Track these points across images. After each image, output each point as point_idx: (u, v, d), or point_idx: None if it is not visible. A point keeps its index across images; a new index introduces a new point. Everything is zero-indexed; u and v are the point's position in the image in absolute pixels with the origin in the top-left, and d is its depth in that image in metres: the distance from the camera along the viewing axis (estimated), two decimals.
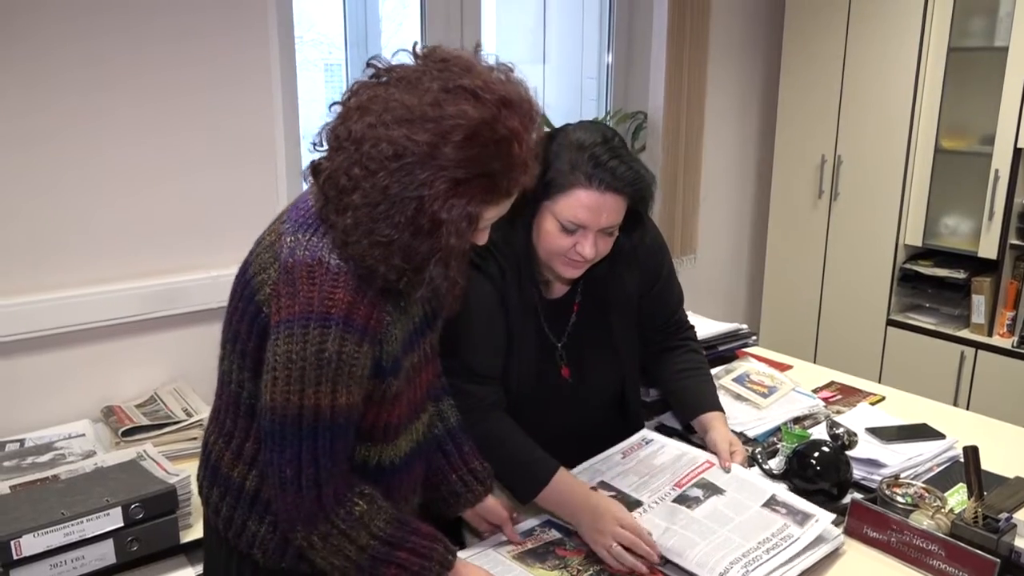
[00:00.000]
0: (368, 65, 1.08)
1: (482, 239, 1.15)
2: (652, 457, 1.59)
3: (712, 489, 1.48)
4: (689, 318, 1.81)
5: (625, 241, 1.49)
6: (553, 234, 1.38)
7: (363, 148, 1.01)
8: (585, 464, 1.59)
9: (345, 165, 1.03)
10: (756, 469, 1.60)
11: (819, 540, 1.36)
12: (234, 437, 1.20)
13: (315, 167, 1.08)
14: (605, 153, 1.35)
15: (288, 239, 1.09)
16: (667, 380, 1.72)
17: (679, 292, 1.73)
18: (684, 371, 1.69)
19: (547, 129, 1.47)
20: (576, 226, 1.36)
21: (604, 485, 1.52)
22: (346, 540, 1.10)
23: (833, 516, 1.41)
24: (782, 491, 1.47)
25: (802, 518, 1.40)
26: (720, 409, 1.65)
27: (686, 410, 1.68)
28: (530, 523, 1.48)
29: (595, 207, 1.34)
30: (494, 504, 1.43)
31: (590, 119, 1.43)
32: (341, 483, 1.11)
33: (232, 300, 1.17)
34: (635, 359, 1.67)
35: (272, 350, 1.07)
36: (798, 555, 1.32)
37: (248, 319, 1.13)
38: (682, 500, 1.46)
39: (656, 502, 1.47)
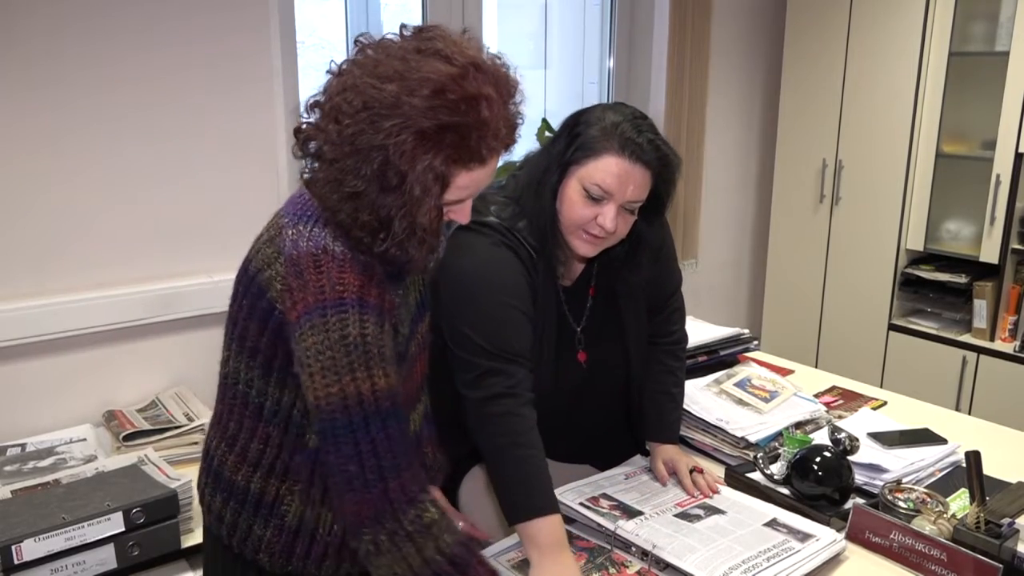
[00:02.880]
0: (355, 42, 1.11)
1: (462, 214, 1.14)
2: (655, 482, 1.60)
3: (714, 510, 1.49)
4: (690, 323, 1.80)
5: (645, 229, 1.48)
6: (577, 202, 1.38)
7: (335, 102, 1.05)
8: (588, 479, 1.60)
9: (321, 123, 1.07)
10: (758, 474, 1.60)
11: (821, 545, 1.37)
12: (238, 440, 1.19)
13: (297, 130, 1.11)
14: (636, 128, 1.36)
15: (289, 232, 1.10)
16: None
17: (678, 276, 1.70)
18: (653, 392, 1.66)
19: (548, 133, 1.47)
20: (602, 193, 1.36)
21: (606, 497, 1.53)
22: (412, 546, 1.05)
23: (835, 535, 1.40)
24: (784, 514, 1.47)
25: (803, 536, 1.40)
26: (673, 440, 1.65)
27: (644, 432, 1.67)
28: None
29: (623, 175, 1.35)
30: (439, 495, 1.41)
31: (621, 101, 1.43)
32: (409, 480, 1.07)
33: (236, 299, 1.17)
34: (644, 348, 1.65)
35: (300, 348, 1.06)
36: (799, 562, 1.32)
37: (258, 317, 1.12)
38: (684, 517, 1.46)
39: (657, 513, 1.48)
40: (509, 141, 1.10)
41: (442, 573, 1.07)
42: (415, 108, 1.01)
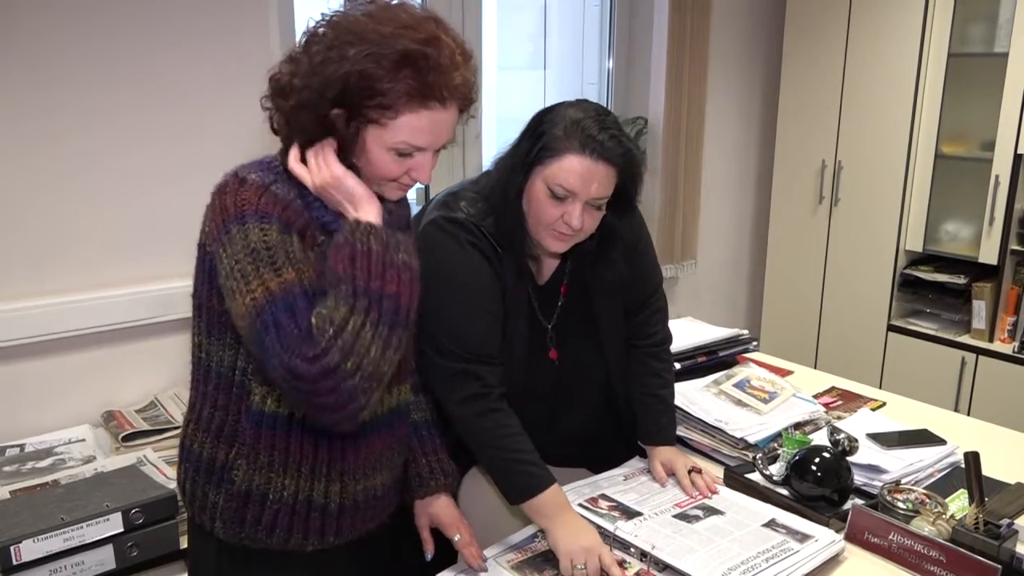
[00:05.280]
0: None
1: (422, 172, 1.15)
2: (654, 483, 1.60)
3: (712, 511, 1.49)
4: (689, 323, 1.80)
5: (616, 224, 1.49)
6: (543, 202, 1.39)
7: (312, 37, 1.11)
8: (587, 480, 1.60)
9: (296, 55, 1.12)
10: (757, 475, 1.60)
11: (820, 545, 1.37)
12: (196, 406, 1.24)
13: (272, 78, 1.15)
14: (598, 125, 1.37)
15: (222, 180, 1.16)
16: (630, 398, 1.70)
17: (658, 274, 1.69)
18: (641, 396, 1.66)
19: None
20: (566, 192, 1.37)
21: (605, 498, 1.53)
22: (361, 350, 1.03)
23: (834, 535, 1.40)
24: (782, 514, 1.47)
25: (802, 537, 1.40)
26: (670, 441, 1.65)
27: (640, 436, 1.68)
28: (528, 531, 1.47)
29: (586, 174, 1.35)
30: (450, 503, 1.44)
31: (585, 99, 1.46)
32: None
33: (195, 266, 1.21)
34: (621, 345, 1.65)
35: (220, 277, 1.10)
36: (798, 563, 1.32)
37: (197, 265, 1.18)
38: (682, 517, 1.46)
39: (656, 514, 1.48)
40: (464, 95, 1.14)
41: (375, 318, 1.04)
42: (381, 35, 1.06)
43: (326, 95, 1.08)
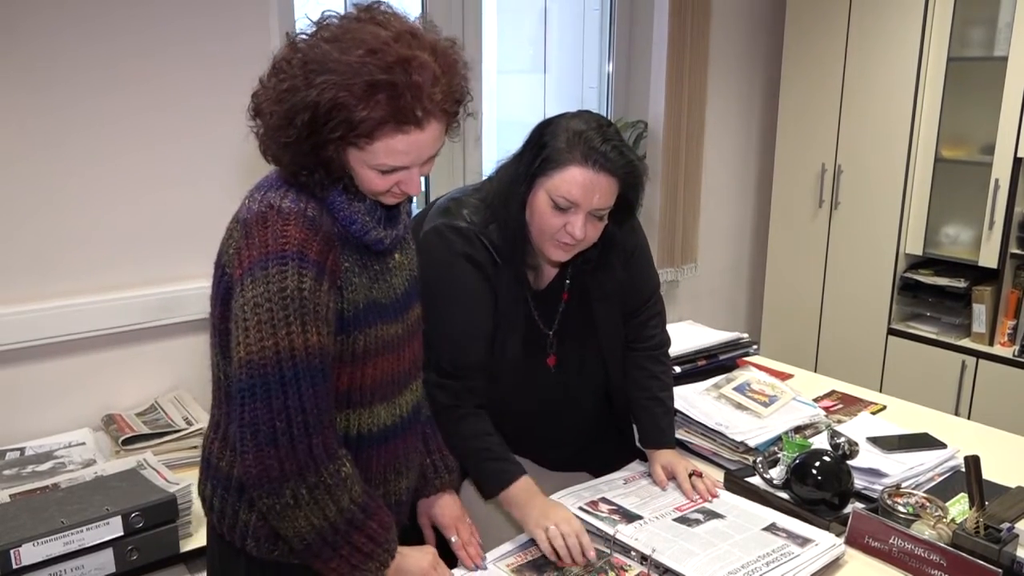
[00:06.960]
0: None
1: (411, 185, 1.15)
2: (654, 486, 1.60)
3: (713, 515, 1.49)
4: (689, 327, 1.80)
5: (616, 232, 1.51)
6: (545, 212, 1.40)
7: (278, 60, 1.10)
8: (587, 483, 1.61)
9: (265, 80, 1.12)
10: (757, 478, 1.60)
11: (820, 549, 1.37)
12: (220, 424, 1.22)
13: (253, 95, 1.15)
14: (600, 136, 1.38)
15: (247, 200, 1.16)
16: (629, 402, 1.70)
17: (655, 278, 1.70)
18: (640, 400, 1.67)
19: None
20: (568, 203, 1.38)
21: (605, 501, 1.53)
22: (330, 498, 1.10)
23: (834, 539, 1.40)
24: (783, 518, 1.47)
25: (802, 541, 1.40)
26: (670, 444, 1.65)
27: (640, 439, 1.69)
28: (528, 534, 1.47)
29: (588, 185, 1.37)
30: (452, 501, 1.45)
31: (587, 109, 1.47)
32: (330, 436, 1.11)
33: (212, 286, 1.20)
34: (619, 350, 1.66)
35: (238, 303, 1.09)
36: (798, 567, 1.32)
37: (214, 286, 1.17)
38: (683, 521, 1.46)
39: (657, 517, 1.48)
40: (448, 108, 1.12)
41: (355, 520, 1.13)
42: (348, 65, 1.04)
43: (295, 122, 1.07)
